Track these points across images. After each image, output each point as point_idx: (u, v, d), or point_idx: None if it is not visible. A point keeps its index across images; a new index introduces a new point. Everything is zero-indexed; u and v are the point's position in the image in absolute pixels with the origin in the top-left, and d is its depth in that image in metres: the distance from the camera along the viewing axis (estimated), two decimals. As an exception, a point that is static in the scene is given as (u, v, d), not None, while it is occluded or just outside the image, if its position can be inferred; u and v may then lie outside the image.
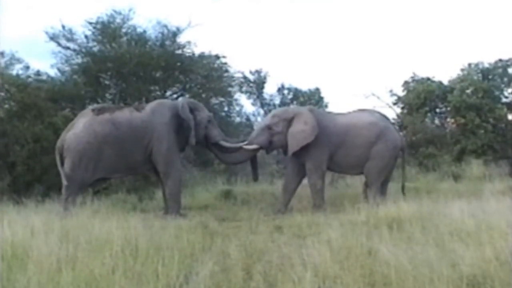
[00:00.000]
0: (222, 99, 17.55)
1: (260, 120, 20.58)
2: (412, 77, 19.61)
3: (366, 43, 35.37)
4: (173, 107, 10.64)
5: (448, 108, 18.31)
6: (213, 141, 10.87)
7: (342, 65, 34.75)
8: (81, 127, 9.75)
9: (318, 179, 10.51)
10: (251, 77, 21.47)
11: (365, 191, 10.88)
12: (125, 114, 10.15)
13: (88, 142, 9.58)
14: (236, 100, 18.95)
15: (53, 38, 15.36)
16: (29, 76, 14.72)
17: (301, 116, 10.63)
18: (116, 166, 9.97)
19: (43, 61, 33.64)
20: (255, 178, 11.42)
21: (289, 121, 10.67)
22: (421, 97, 18.30)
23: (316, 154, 10.53)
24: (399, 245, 5.23)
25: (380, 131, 10.61)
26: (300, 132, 10.49)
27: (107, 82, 16.13)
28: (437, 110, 19.13)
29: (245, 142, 11.16)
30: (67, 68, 15.80)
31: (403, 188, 10.83)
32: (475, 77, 18.07)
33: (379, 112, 11.64)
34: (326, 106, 21.64)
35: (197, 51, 16.40)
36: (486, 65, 18.55)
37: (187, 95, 14.47)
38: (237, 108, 19.45)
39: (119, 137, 9.85)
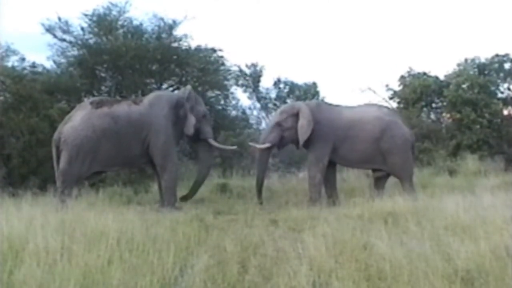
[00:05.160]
0: (218, 92, 17.56)
1: (256, 114, 20.81)
2: (408, 72, 19.59)
3: (362, 38, 35.37)
4: (171, 99, 10.66)
5: (444, 103, 18.33)
6: (203, 137, 10.90)
7: (339, 59, 34.84)
8: (79, 120, 9.71)
9: (317, 172, 10.54)
10: (247, 71, 21.45)
11: (375, 186, 10.93)
12: (124, 108, 10.12)
13: (86, 136, 9.55)
14: (232, 93, 18.96)
15: (49, 30, 15.35)
16: (24, 68, 14.67)
17: (301, 111, 10.69)
18: (113, 160, 9.96)
19: (38, 54, 33.57)
20: (260, 195, 11.05)
21: (296, 116, 10.74)
22: (417, 91, 18.29)
23: (319, 147, 10.59)
24: (394, 240, 5.24)
25: (385, 126, 10.58)
26: (301, 127, 10.59)
27: (103, 75, 16.13)
28: (433, 105, 19.13)
29: (234, 147, 12.02)
30: (63, 60, 15.80)
31: None
32: (471, 72, 18.08)
33: (387, 107, 11.67)
34: (322, 100, 21.63)
35: (193, 44, 16.46)
36: (483, 60, 18.58)
37: (183, 89, 14.46)
38: (233, 102, 19.45)
39: (117, 131, 9.83)
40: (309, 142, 10.62)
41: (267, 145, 10.88)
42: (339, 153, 10.68)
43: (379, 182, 10.90)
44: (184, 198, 10.90)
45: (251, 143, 11.81)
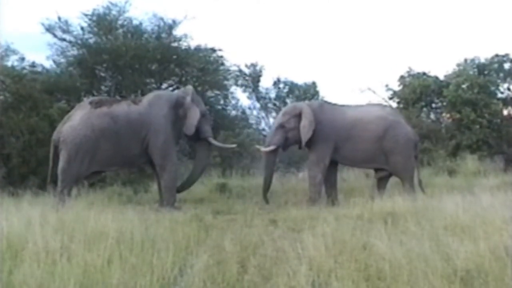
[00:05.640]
0: (217, 92, 17.56)
1: (255, 114, 20.83)
2: (408, 72, 19.61)
3: (362, 38, 35.41)
4: (170, 99, 10.68)
5: (444, 103, 18.35)
6: (202, 136, 10.91)
7: (339, 59, 34.84)
8: (78, 120, 9.72)
9: (318, 172, 10.58)
10: (247, 71, 21.46)
11: (377, 186, 10.94)
12: (123, 108, 10.14)
13: (85, 136, 9.55)
14: (231, 93, 18.98)
15: (49, 29, 15.35)
16: (24, 68, 14.67)
17: (303, 111, 10.72)
18: (113, 160, 9.97)
19: (38, 54, 33.58)
20: (266, 197, 11.04)
21: (299, 116, 10.77)
22: (417, 92, 18.31)
23: (321, 147, 10.65)
24: (393, 240, 5.23)
25: (388, 126, 10.61)
26: (303, 127, 10.65)
27: (102, 74, 16.13)
28: (433, 105, 19.15)
29: (234, 145, 12.30)
30: (62, 60, 15.81)
31: (420, 184, 10.76)
32: (471, 72, 18.09)
33: (390, 107, 11.68)
34: (324, 100, 21.61)
35: (193, 44, 16.46)
36: (482, 61, 18.60)
37: (182, 89, 14.52)
38: (233, 102, 19.47)
39: (116, 131, 9.85)
40: (311, 142, 10.64)
41: (272, 147, 10.93)
42: (341, 153, 10.71)
43: (381, 183, 10.91)
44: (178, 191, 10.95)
45: (257, 146, 11.93)
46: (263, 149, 11.21)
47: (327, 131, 10.60)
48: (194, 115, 10.51)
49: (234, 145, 12.38)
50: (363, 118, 10.73)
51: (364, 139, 10.58)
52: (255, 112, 21.43)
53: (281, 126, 10.95)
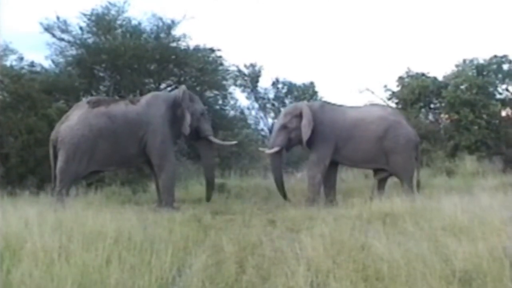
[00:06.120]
0: (216, 92, 17.51)
1: (254, 114, 20.85)
2: (406, 73, 19.53)
3: (361, 38, 35.41)
4: (168, 99, 10.68)
5: (443, 104, 18.29)
6: (202, 135, 10.93)
7: (337, 60, 34.76)
8: (76, 120, 9.72)
9: (318, 173, 10.59)
10: (246, 71, 21.51)
11: (377, 187, 10.93)
12: (121, 107, 10.14)
13: (82, 135, 9.56)
14: (230, 93, 18.93)
15: (48, 29, 15.29)
16: (23, 67, 14.64)
17: (303, 111, 10.75)
18: (111, 159, 9.97)
19: (37, 53, 33.54)
20: (285, 197, 11.10)
21: (300, 116, 10.81)
22: (416, 92, 18.26)
23: (321, 147, 10.68)
24: (392, 240, 5.24)
25: (389, 126, 10.63)
26: (303, 127, 10.70)
27: (101, 74, 16.09)
28: (431, 105, 19.10)
29: (234, 142, 12.35)
30: (61, 60, 15.75)
31: (418, 185, 10.78)
32: (470, 73, 18.04)
33: (391, 107, 11.69)
34: (324, 100, 21.64)
35: (191, 44, 16.38)
36: (481, 61, 18.53)
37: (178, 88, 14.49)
38: (232, 102, 19.44)
39: (114, 131, 9.85)
40: (312, 142, 10.65)
41: (276, 149, 10.96)
42: (342, 153, 10.72)
43: (380, 184, 10.92)
44: (207, 200, 11.01)
45: (261, 149, 11.93)
46: (267, 151, 11.23)
47: (328, 131, 10.62)
48: (187, 116, 10.51)
49: (234, 142, 12.35)
50: (364, 118, 10.75)
51: (365, 139, 10.59)
52: (253, 112, 21.51)
53: (283, 127, 10.98)
